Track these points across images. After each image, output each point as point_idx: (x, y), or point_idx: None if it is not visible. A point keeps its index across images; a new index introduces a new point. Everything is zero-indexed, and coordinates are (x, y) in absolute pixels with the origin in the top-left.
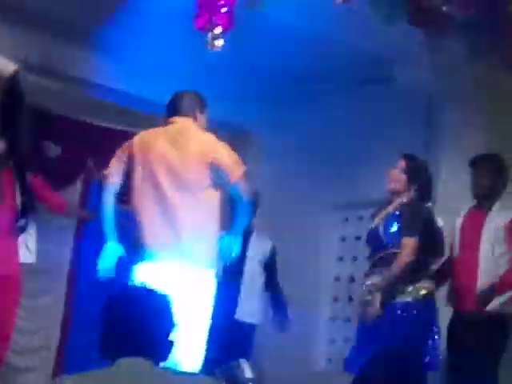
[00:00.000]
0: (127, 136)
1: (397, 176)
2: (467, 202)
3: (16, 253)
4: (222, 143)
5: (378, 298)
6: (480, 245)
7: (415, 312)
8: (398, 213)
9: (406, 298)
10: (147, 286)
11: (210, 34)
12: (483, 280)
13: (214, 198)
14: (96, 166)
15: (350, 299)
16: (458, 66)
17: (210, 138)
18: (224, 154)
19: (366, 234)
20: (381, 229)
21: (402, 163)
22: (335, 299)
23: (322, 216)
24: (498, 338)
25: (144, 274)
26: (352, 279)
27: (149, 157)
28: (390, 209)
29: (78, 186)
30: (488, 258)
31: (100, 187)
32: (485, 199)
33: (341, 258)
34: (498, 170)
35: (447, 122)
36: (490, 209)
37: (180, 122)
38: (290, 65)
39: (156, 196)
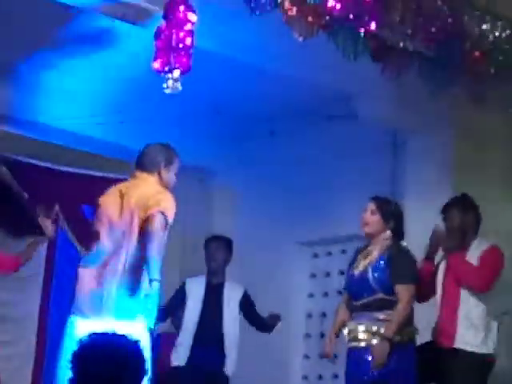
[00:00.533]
0: (93, 180)
1: (369, 219)
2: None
3: None
4: (162, 195)
5: (385, 349)
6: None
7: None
8: (385, 257)
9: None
10: (118, 333)
11: (168, 77)
12: (463, 318)
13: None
14: (62, 211)
15: (323, 335)
16: (421, 101)
17: (152, 190)
18: (155, 200)
19: (349, 278)
20: (370, 274)
21: (372, 205)
22: (308, 336)
23: (292, 253)
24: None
25: (74, 328)
26: (324, 315)
27: (100, 212)
28: (375, 253)
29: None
30: (467, 294)
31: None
32: (462, 240)
33: (311, 295)
34: (469, 209)
35: (412, 158)
36: (468, 249)
37: (138, 178)
38: (254, 103)
39: (97, 253)
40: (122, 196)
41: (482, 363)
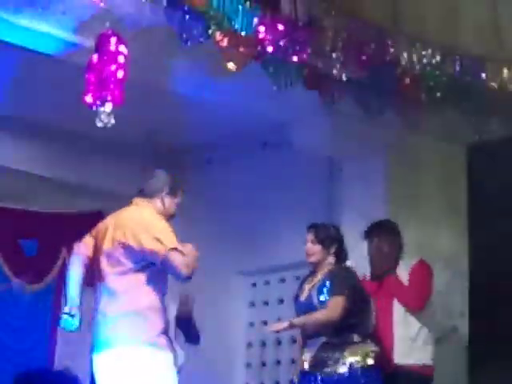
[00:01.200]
0: (29, 215)
1: (311, 249)
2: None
3: None
4: (150, 223)
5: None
6: (393, 307)
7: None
8: (328, 278)
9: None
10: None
11: (100, 111)
12: (399, 341)
13: (139, 278)
14: None
15: (263, 364)
16: (356, 127)
17: (139, 218)
18: (146, 236)
19: (296, 305)
20: (314, 298)
21: (311, 235)
22: (248, 365)
23: (230, 282)
24: None
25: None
26: (263, 344)
27: (98, 240)
28: (319, 277)
29: None
30: (400, 315)
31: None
32: (392, 264)
33: (251, 324)
34: (394, 235)
35: (348, 184)
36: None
37: (134, 203)
38: (187, 131)
39: (98, 283)
40: (115, 224)
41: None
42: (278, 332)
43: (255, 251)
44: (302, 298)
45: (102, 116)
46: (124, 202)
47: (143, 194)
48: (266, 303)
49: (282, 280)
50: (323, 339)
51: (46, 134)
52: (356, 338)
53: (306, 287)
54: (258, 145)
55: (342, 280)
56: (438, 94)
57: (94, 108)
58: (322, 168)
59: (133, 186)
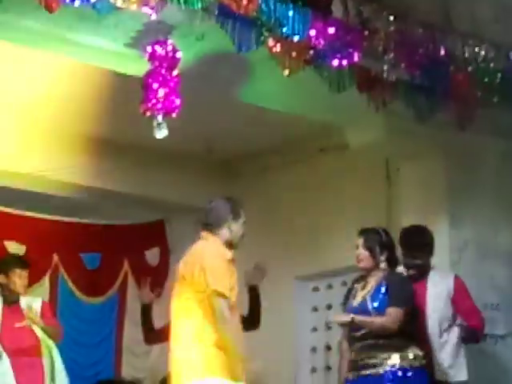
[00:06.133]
0: (91, 229)
1: (361, 255)
2: None
3: None
4: (212, 256)
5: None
6: (427, 314)
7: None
8: (384, 286)
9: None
10: None
11: (156, 121)
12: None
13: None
14: (62, 261)
15: (329, 368)
16: (411, 127)
17: (203, 247)
18: (207, 266)
19: (349, 310)
20: (369, 304)
21: (361, 240)
22: (313, 370)
23: (292, 287)
24: None
25: None
26: (328, 348)
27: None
28: (373, 283)
29: (46, 282)
30: (435, 326)
31: None
32: (419, 270)
33: (315, 328)
34: (427, 242)
35: (406, 184)
36: (425, 279)
37: (203, 238)
38: (244, 140)
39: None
40: (188, 257)
41: None
42: (339, 323)
43: (316, 255)
44: (355, 303)
45: (159, 125)
46: (184, 211)
47: (210, 227)
48: (329, 307)
49: (344, 283)
50: (371, 342)
51: (107, 147)
52: (402, 341)
53: (360, 293)
54: (314, 150)
55: (401, 291)
56: (493, 91)
57: (151, 117)
58: (379, 170)
59: (192, 196)
